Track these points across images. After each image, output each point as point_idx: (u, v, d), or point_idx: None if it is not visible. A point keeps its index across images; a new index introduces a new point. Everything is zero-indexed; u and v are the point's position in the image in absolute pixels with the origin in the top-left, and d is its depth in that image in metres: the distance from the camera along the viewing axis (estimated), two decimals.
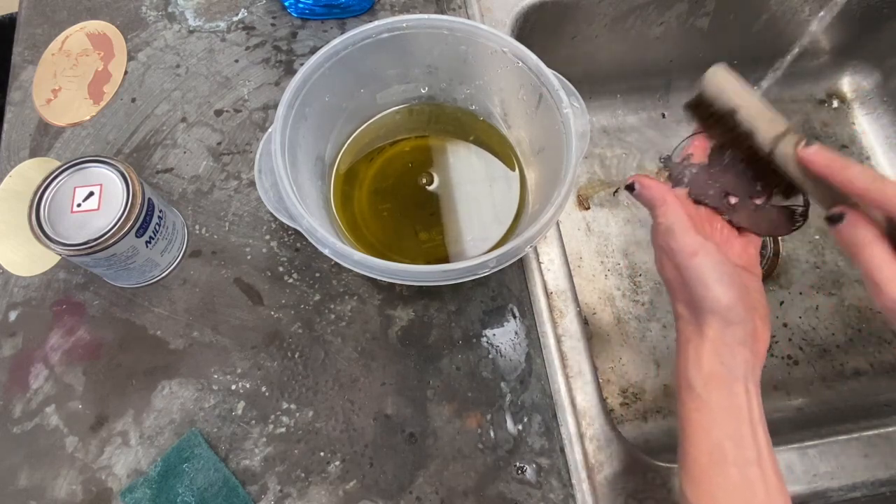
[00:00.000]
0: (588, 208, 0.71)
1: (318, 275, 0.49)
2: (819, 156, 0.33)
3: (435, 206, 0.49)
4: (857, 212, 0.32)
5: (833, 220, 0.32)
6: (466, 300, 0.48)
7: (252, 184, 0.52)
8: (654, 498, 0.43)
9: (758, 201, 0.39)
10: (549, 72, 0.43)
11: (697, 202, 0.39)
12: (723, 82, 0.37)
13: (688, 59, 0.71)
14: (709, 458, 0.33)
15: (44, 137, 0.54)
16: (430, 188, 0.50)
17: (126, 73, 0.57)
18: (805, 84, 0.77)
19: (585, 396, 0.45)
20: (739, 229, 0.40)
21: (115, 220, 0.42)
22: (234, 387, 0.46)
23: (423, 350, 0.47)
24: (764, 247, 0.69)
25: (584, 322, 0.61)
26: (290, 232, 0.50)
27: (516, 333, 0.47)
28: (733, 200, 0.39)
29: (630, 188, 0.38)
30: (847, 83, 0.77)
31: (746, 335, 0.34)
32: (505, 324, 0.48)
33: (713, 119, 0.38)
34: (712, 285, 0.33)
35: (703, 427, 0.33)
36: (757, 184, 0.39)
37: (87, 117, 0.55)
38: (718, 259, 0.34)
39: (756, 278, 0.38)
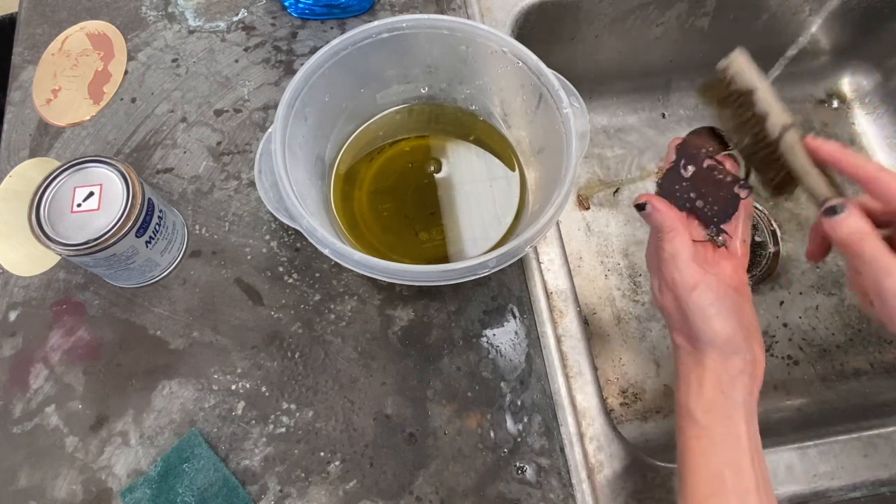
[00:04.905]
0: (588, 208, 0.71)
1: (318, 275, 0.49)
2: (827, 144, 0.34)
3: (435, 206, 0.49)
4: (855, 203, 0.32)
5: (832, 211, 0.33)
6: (466, 300, 0.48)
7: (252, 184, 0.52)
8: (653, 498, 0.43)
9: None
10: (549, 72, 0.43)
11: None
12: (746, 63, 0.38)
13: (688, 59, 0.71)
14: (708, 487, 0.33)
15: (44, 137, 0.54)
16: (438, 176, 0.50)
17: (126, 73, 0.57)
18: (805, 84, 0.77)
19: (585, 396, 0.45)
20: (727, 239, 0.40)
21: (115, 220, 0.42)
22: (234, 387, 0.46)
23: (423, 350, 0.47)
24: (764, 247, 0.69)
25: (584, 322, 0.61)
26: (290, 232, 0.50)
27: (516, 333, 0.47)
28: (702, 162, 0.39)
29: (640, 207, 0.38)
30: (847, 83, 0.77)
31: (746, 364, 0.34)
32: (505, 324, 0.48)
33: (731, 98, 0.38)
34: (712, 319, 0.34)
35: (703, 455, 0.33)
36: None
37: (87, 117, 0.55)
38: (719, 293, 0.34)
39: (747, 299, 0.38)
